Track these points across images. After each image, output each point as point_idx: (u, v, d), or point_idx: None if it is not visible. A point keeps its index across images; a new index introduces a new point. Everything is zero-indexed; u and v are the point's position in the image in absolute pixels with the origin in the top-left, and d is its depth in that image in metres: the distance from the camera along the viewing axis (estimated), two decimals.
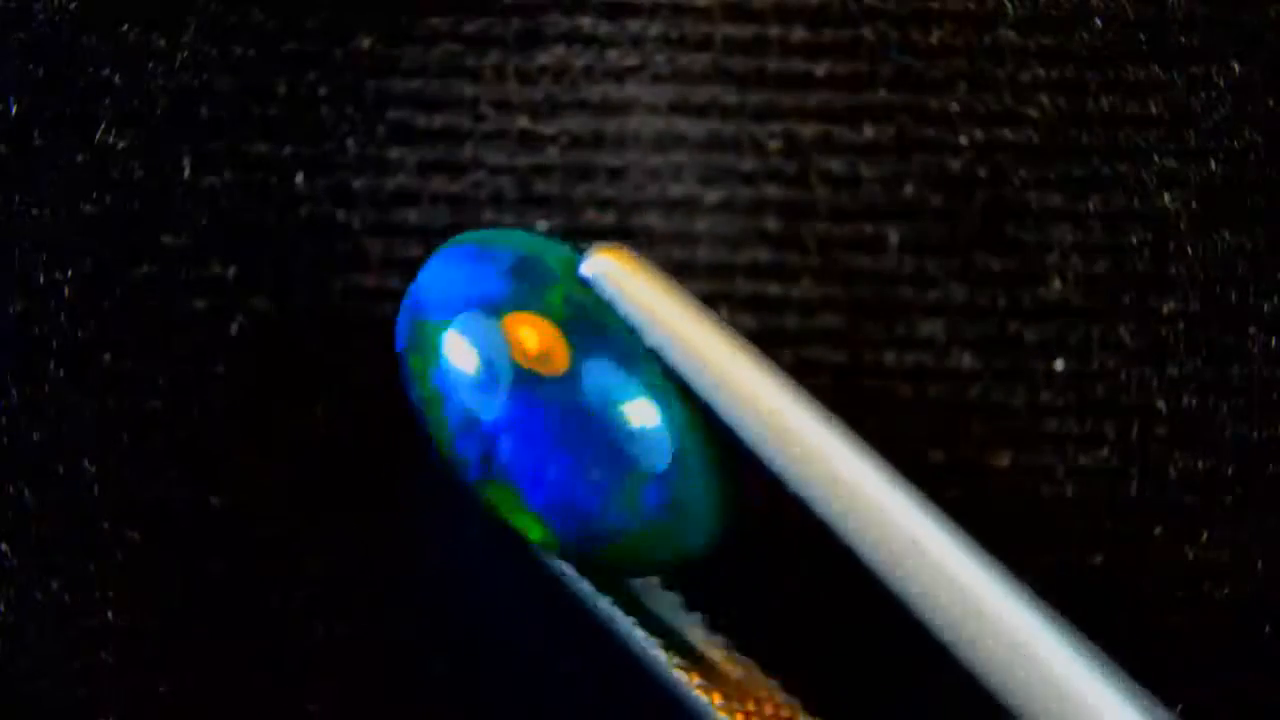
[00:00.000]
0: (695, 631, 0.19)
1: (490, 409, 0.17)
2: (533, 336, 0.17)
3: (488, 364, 0.17)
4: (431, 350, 0.17)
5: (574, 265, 0.18)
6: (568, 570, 0.19)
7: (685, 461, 0.17)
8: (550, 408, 0.17)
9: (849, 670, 0.21)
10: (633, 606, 0.19)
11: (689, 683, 0.18)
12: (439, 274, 0.18)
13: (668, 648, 0.18)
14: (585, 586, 0.19)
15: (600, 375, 0.17)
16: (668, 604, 0.20)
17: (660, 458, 0.17)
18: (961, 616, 0.16)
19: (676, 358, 0.17)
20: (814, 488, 0.17)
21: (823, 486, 0.17)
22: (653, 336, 0.17)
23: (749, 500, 0.18)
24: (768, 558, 0.21)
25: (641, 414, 0.17)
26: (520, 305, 0.17)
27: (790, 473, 0.17)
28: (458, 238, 0.18)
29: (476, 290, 0.17)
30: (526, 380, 0.17)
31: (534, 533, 0.18)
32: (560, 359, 0.17)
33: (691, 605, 0.20)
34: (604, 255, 0.17)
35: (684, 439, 0.17)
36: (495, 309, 0.17)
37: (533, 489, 0.17)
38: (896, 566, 0.16)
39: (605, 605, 0.19)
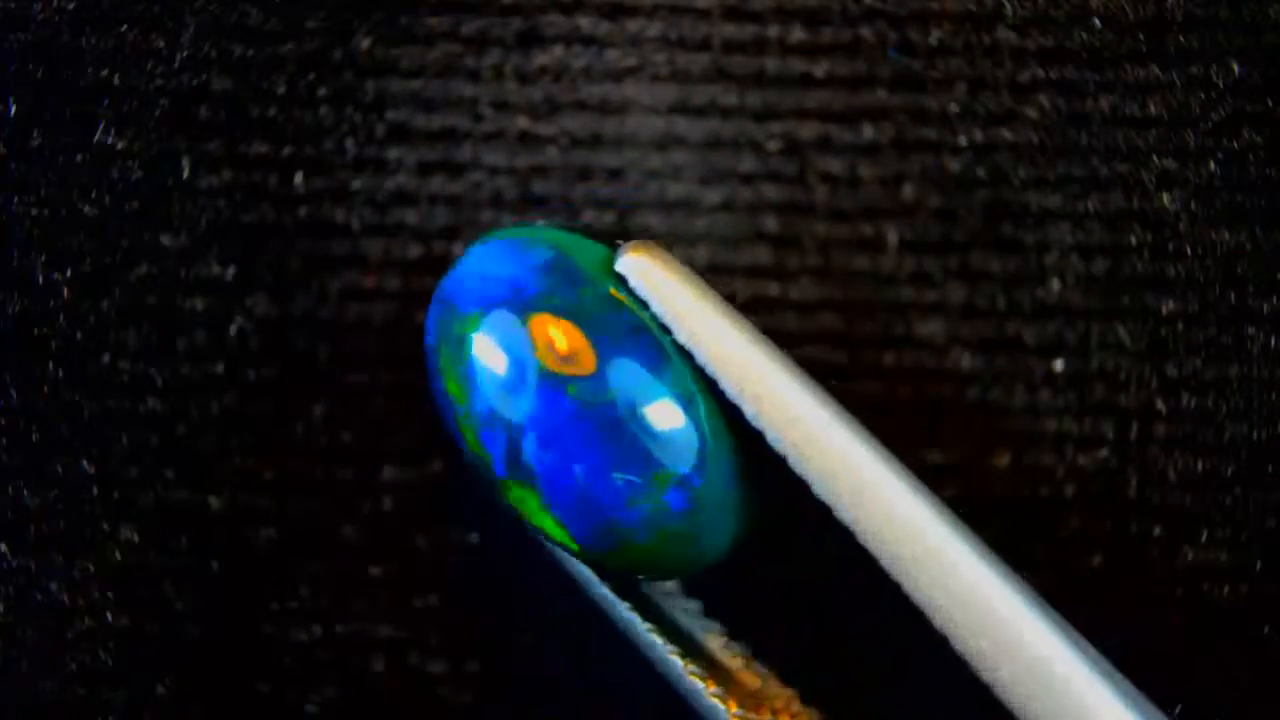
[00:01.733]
0: (714, 639, 0.19)
1: (517, 408, 0.17)
2: (560, 337, 0.17)
3: (516, 363, 0.17)
4: (460, 347, 0.17)
5: (607, 264, 0.17)
6: (586, 573, 0.19)
7: (710, 464, 0.17)
8: (575, 408, 0.17)
9: (866, 678, 0.21)
10: (651, 612, 0.19)
11: (706, 691, 0.18)
12: (471, 270, 0.18)
13: (685, 655, 0.18)
14: (603, 590, 0.19)
15: (627, 376, 0.17)
16: (686, 611, 0.20)
17: (685, 460, 0.17)
18: (977, 627, 0.16)
19: (704, 359, 0.17)
20: (838, 496, 0.16)
21: (846, 495, 0.16)
22: (682, 336, 0.17)
23: (772, 506, 0.18)
24: (788, 564, 0.21)
25: (667, 415, 0.17)
26: (549, 306, 0.17)
27: (814, 480, 0.17)
28: (491, 233, 0.18)
29: (507, 289, 0.17)
30: (553, 380, 0.17)
31: (555, 533, 0.17)
32: (588, 360, 0.17)
33: (710, 612, 0.20)
34: (637, 253, 0.17)
35: (710, 441, 0.17)
36: (524, 308, 0.17)
37: (556, 488, 0.17)
38: (919, 575, 0.16)
39: (623, 610, 0.18)
